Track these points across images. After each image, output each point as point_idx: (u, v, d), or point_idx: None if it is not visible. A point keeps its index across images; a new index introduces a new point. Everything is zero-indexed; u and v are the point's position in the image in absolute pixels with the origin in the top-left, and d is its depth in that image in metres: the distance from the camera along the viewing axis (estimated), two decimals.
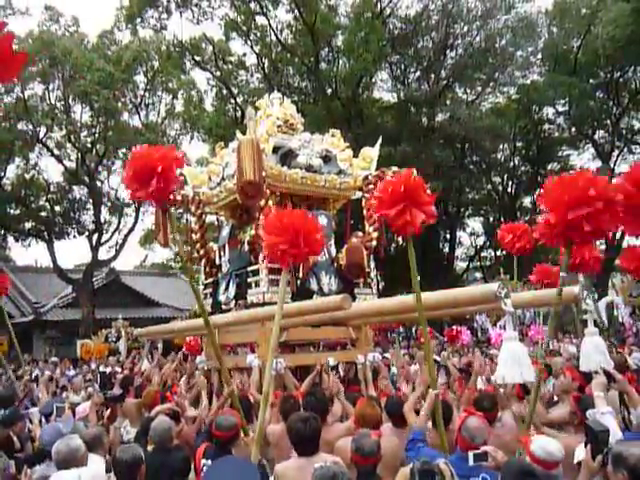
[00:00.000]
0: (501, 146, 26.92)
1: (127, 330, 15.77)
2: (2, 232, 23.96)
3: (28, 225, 23.64)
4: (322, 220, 6.74)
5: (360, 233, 6.99)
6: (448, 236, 28.15)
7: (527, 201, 30.26)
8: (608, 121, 25.71)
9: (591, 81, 24.89)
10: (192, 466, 3.88)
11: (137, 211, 24.29)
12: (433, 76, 25.17)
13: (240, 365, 5.96)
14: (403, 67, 26.36)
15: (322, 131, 7.83)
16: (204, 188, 7.40)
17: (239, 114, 24.97)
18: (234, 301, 6.80)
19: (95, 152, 22.92)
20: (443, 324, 17.40)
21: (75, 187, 23.99)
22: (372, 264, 7.05)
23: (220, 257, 7.30)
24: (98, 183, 23.79)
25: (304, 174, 6.72)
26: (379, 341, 13.28)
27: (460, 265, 31.54)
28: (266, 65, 25.57)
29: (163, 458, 3.77)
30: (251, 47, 25.40)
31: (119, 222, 24.70)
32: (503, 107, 26.45)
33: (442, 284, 12.81)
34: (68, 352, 18.08)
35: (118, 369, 10.51)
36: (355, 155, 7.41)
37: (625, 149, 26.81)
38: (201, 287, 7.52)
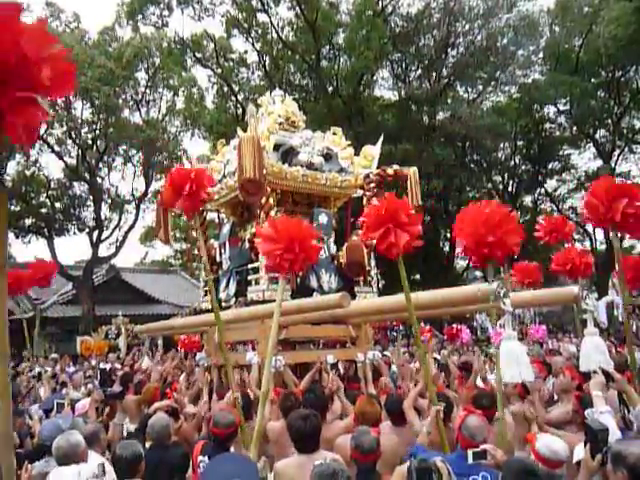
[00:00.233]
0: (502, 145, 26.90)
1: (127, 327, 15.76)
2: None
3: (28, 221, 23.61)
4: (322, 218, 6.75)
5: (360, 231, 6.97)
6: (448, 235, 28.15)
7: (528, 200, 30.28)
8: (609, 120, 25.70)
9: (592, 80, 24.88)
10: (190, 463, 3.88)
11: (137, 208, 24.28)
12: (434, 74, 25.15)
13: (240, 362, 5.96)
14: (404, 65, 26.33)
15: (323, 129, 7.82)
16: None
17: (240, 111, 24.96)
18: (234, 298, 6.81)
19: (96, 149, 22.89)
20: (443, 322, 17.42)
21: (75, 184, 23.93)
22: (372, 262, 7.05)
23: (221, 254, 7.31)
24: (99, 180, 23.75)
25: (305, 172, 6.72)
26: (379, 339, 13.29)
27: (460, 264, 31.54)
28: (267, 62, 25.56)
29: (161, 455, 3.77)
30: (252, 44, 25.40)
31: (119, 219, 24.68)
32: (504, 106, 26.41)
33: (442, 283, 12.81)
34: (68, 349, 18.08)
35: (118, 366, 10.51)
36: (356, 153, 7.40)
37: (626, 148, 26.80)
38: (202, 284, 7.52)
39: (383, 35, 23.16)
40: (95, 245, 23.50)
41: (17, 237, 24.50)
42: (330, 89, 24.46)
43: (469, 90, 27.08)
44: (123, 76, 21.30)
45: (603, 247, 25.46)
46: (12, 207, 23.24)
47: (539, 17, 25.61)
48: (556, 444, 2.93)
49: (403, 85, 26.09)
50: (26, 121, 1.68)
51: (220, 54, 25.13)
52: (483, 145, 24.49)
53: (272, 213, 6.25)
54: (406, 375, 6.47)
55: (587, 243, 26.91)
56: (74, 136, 21.98)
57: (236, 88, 25.89)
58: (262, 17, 24.67)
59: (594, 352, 3.84)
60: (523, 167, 28.78)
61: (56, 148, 22.43)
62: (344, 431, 4.07)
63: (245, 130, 6.16)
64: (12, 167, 23.15)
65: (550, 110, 27.30)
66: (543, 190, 29.14)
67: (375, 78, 26.28)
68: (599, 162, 26.16)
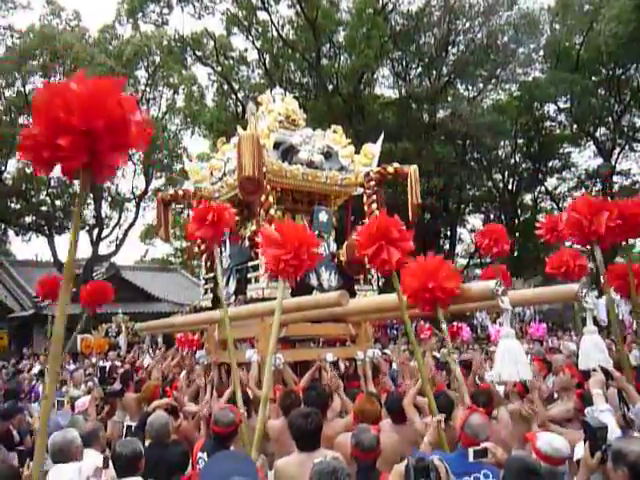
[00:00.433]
0: (502, 143, 26.86)
1: (127, 325, 15.77)
2: (3, 226, 23.96)
3: (29, 219, 23.65)
4: (323, 216, 6.74)
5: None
6: (448, 233, 28.15)
7: (528, 198, 30.27)
8: (610, 118, 25.69)
9: (593, 78, 24.86)
10: (190, 461, 3.88)
11: (138, 206, 24.32)
12: (435, 72, 25.12)
13: (239, 360, 5.95)
14: (404, 63, 26.29)
15: (323, 127, 7.80)
16: (205, 183, 7.39)
17: (240, 109, 24.93)
18: (234, 296, 6.80)
19: None
20: None
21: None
22: None
23: (221, 252, 7.30)
24: None
25: (305, 170, 6.70)
26: (379, 337, 13.29)
27: (460, 262, 31.54)
28: (267, 61, 25.51)
29: (160, 453, 3.77)
30: (252, 42, 25.36)
31: (120, 217, 24.73)
32: (504, 104, 26.37)
33: None
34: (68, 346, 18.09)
35: (118, 363, 10.51)
36: (356, 151, 7.38)
37: (626, 146, 26.80)
38: (202, 282, 7.52)
39: (383, 33, 23.14)
40: (95, 243, 23.53)
41: (17, 235, 24.56)
42: (330, 87, 24.43)
43: (469, 88, 27.03)
44: (123, 74, 21.26)
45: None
46: (12, 205, 23.27)
47: (539, 15, 25.56)
48: (557, 441, 2.93)
49: (403, 83, 26.06)
50: (113, 164, 2.20)
51: (220, 52, 25.09)
52: (483, 143, 24.45)
53: (272, 211, 6.25)
54: (406, 373, 6.46)
55: None
56: None
57: (236, 86, 25.86)
58: (262, 15, 24.68)
59: (593, 350, 3.84)
60: (523, 165, 28.76)
61: None
62: (344, 429, 4.07)
63: (245, 128, 6.15)
64: (12, 165, 23.18)
65: (550, 108, 27.32)
66: (543, 188, 29.14)
67: (375, 76, 26.26)
68: (599, 160, 26.14)
